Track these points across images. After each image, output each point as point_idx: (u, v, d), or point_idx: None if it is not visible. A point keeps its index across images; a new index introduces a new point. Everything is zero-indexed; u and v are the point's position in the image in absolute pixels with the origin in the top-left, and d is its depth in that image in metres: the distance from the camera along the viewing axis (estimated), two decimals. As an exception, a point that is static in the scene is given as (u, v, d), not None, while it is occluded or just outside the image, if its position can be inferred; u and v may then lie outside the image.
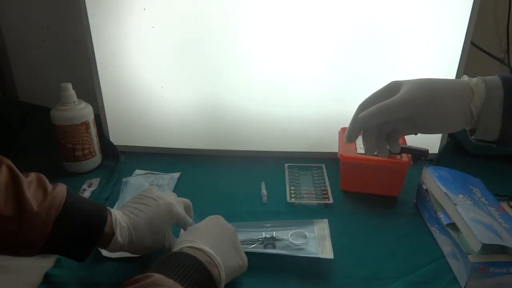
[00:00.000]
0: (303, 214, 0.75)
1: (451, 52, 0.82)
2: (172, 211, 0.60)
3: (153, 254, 0.65)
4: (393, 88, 0.54)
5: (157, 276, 0.44)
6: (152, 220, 0.58)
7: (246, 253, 0.59)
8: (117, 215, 0.56)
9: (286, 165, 0.89)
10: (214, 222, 0.59)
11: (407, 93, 0.51)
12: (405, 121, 0.53)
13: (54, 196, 0.51)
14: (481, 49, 0.95)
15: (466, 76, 0.53)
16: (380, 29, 0.81)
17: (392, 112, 0.52)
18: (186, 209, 0.65)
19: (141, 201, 0.60)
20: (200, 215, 0.75)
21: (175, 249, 0.52)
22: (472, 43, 0.85)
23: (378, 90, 0.55)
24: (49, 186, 0.52)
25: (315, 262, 0.62)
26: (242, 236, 0.65)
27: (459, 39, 0.81)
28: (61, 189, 0.53)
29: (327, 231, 0.67)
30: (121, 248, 0.56)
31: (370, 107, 0.53)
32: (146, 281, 0.43)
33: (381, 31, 0.81)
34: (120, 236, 0.55)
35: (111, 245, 0.55)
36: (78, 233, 0.52)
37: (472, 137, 0.53)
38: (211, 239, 0.54)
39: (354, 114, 0.56)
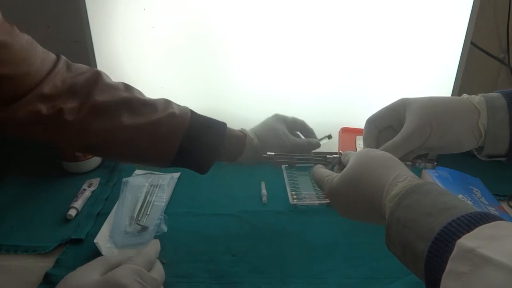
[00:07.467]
0: (304, 214, 0.75)
1: (451, 52, 0.82)
2: None
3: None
4: (400, 107, 0.54)
5: None
6: None
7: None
8: None
9: (284, 166, 0.88)
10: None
11: (414, 123, 0.51)
12: (418, 147, 0.53)
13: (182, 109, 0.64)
14: (481, 49, 0.95)
15: (466, 94, 0.52)
16: (380, 29, 0.81)
17: (404, 149, 0.51)
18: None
19: None
20: (200, 215, 0.75)
21: None
22: (472, 43, 0.84)
23: (387, 107, 0.55)
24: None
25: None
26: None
27: (459, 39, 0.81)
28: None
29: None
30: (256, 148, 0.66)
31: (378, 124, 0.54)
32: None
33: (381, 32, 0.81)
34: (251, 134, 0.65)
35: (247, 144, 0.66)
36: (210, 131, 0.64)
37: (481, 154, 0.52)
38: None
39: (364, 130, 0.56)
